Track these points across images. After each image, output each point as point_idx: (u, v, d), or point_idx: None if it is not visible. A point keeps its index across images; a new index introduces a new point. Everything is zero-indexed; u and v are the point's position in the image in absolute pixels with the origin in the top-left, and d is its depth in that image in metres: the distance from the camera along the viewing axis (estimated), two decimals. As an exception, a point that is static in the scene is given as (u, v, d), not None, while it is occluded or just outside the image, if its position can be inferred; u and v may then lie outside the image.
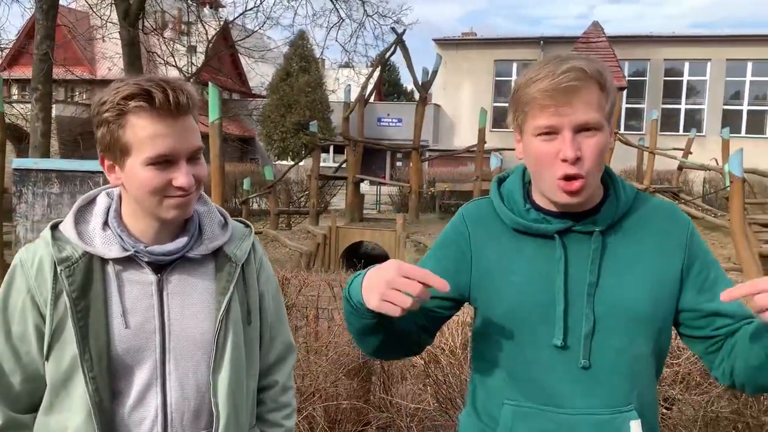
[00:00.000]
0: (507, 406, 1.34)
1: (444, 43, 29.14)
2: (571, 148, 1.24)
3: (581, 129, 1.25)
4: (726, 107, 26.97)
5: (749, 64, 26.64)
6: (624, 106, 25.33)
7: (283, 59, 27.47)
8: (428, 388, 2.73)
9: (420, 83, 13.33)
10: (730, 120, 26.11)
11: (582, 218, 1.33)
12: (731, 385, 1.35)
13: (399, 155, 27.95)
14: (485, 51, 29.00)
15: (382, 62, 14.21)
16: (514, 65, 29.27)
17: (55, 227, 1.33)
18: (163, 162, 1.24)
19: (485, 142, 13.91)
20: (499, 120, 26.53)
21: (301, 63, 27.77)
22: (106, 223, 1.32)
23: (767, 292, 1.11)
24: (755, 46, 26.17)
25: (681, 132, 25.23)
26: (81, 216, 1.34)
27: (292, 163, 19.20)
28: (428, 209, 17.01)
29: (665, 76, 27.41)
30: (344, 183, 14.74)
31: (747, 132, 26.26)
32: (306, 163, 18.89)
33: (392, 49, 13.86)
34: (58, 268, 1.25)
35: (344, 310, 1.38)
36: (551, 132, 1.26)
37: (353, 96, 14.37)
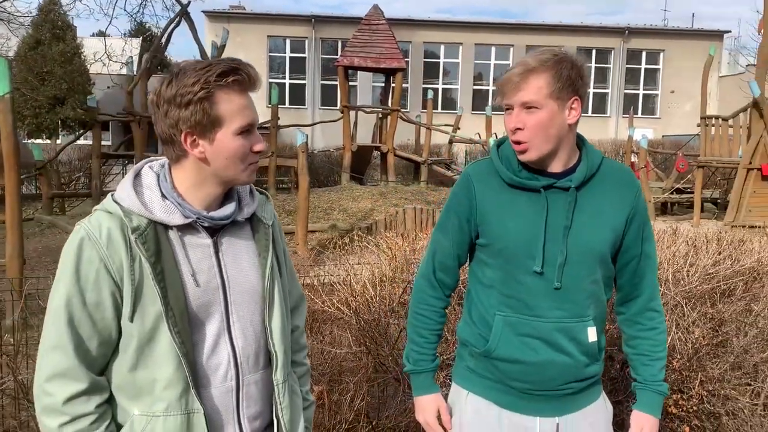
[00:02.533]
0: (498, 316, 1.77)
1: (214, 15, 28.32)
2: (513, 120, 1.70)
3: (525, 106, 1.69)
4: (475, 87, 30.37)
5: (493, 49, 30.28)
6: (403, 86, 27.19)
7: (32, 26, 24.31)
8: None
9: (210, 57, 12.99)
10: (479, 99, 29.54)
11: (561, 177, 1.76)
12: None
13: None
14: (258, 26, 28.83)
15: (169, 34, 13.55)
16: (288, 42, 29.60)
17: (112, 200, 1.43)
18: (247, 131, 1.44)
19: (278, 118, 14.08)
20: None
21: (54, 30, 24.86)
22: (162, 194, 1.44)
23: None
24: (497, 32, 29.80)
25: (440, 110, 27.83)
26: (137, 188, 1.45)
27: (64, 141, 17.30)
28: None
29: (425, 58, 29.93)
30: (123, 162, 13.76)
31: (493, 110, 29.92)
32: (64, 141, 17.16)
33: (177, 21, 13.28)
34: (132, 237, 1.37)
35: (405, 366, 1.98)
36: (509, 108, 1.72)
37: (136, 68, 13.46)
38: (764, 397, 3.25)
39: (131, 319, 1.38)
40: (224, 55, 12.95)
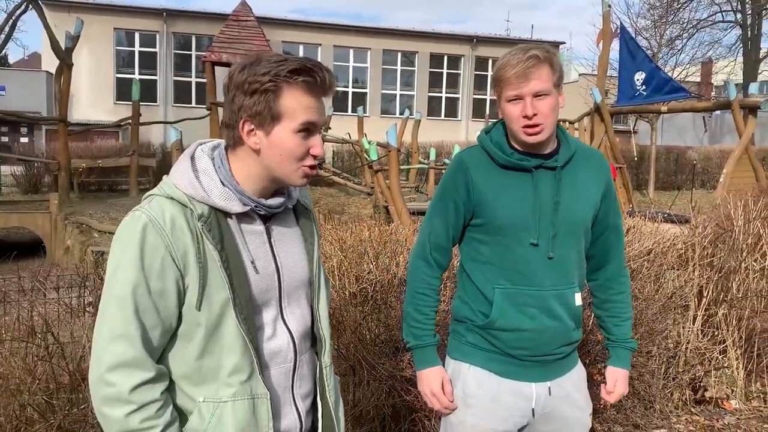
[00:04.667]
0: (497, 289, 1.93)
1: (55, 5, 26.07)
2: (528, 108, 1.87)
3: (536, 95, 1.88)
4: (338, 89, 30.68)
5: (351, 51, 30.78)
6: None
7: None
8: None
9: (64, 48, 12.01)
10: (337, 100, 29.90)
11: (547, 158, 1.96)
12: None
13: (24, 129, 24.21)
14: (103, 18, 26.99)
15: (14, 21, 12.30)
16: (137, 35, 28.01)
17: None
18: (307, 130, 1.43)
19: (140, 115, 13.36)
20: (124, 92, 25.04)
21: None
22: (221, 181, 1.44)
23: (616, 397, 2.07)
24: (356, 35, 30.34)
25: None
26: (196, 174, 1.44)
27: None
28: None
29: (284, 57, 29.67)
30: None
31: (352, 111, 30.46)
32: None
33: (23, 7, 12.12)
34: (197, 224, 1.37)
35: (406, 342, 2.07)
36: (517, 98, 1.89)
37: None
38: (658, 363, 3.73)
39: (198, 308, 1.37)
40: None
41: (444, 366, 2.04)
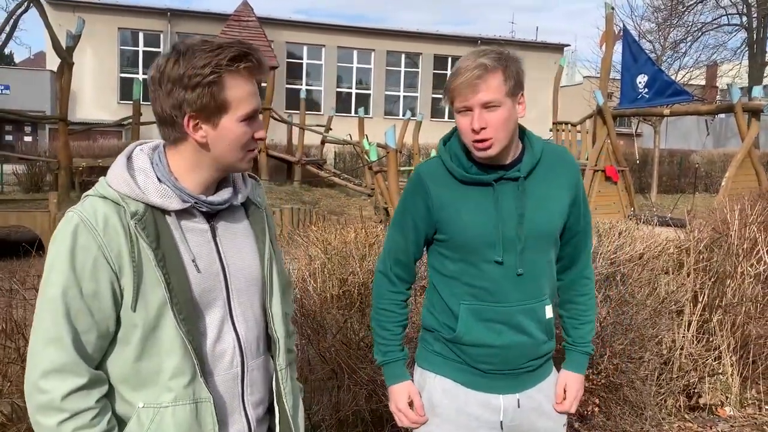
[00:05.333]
0: (463, 305, 1.86)
1: (58, 3, 26.14)
2: (476, 121, 1.77)
3: (485, 106, 1.77)
4: (338, 89, 30.67)
5: (355, 52, 30.76)
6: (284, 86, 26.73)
7: None
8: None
9: (65, 47, 12.00)
10: (341, 101, 29.89)
11: (509, 168, 1.87)
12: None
13: (27, 128, 24.28)
14: (108, 17, 27.05)
15: (15, 20, 12.32)
16: (141, 35, 28.06)
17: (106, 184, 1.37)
18: (251, 118, 1.41)
19: (141, 114, 13.36)
20: (128, 92, 25.09)
21: None
22: (157, 178, 1.39)
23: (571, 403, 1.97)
24: (360, 36, 30.30)
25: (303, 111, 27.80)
26: (130, 172, 1.39)
27: None
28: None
29: (288, 58, 29.72)
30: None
31: (355, 112, 30.41)
32: None
33: (25, 6, 12.13)
34: (131, 222, 1.32)
35: (377, 360, 2.01)
36: (466, 110, 1.79)
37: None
38: (650, 369, 3.67)
39: (134, 309, 1.32)
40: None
41: (413, 374, 1.98)
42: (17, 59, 39.03)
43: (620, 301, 3.21)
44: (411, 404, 1.93)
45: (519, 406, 1.89)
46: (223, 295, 1.44)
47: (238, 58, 1.34)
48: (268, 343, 1.57)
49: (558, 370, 2.05)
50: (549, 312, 1.92)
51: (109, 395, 1.36)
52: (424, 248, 1.98)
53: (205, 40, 1.37)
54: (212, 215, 1.46)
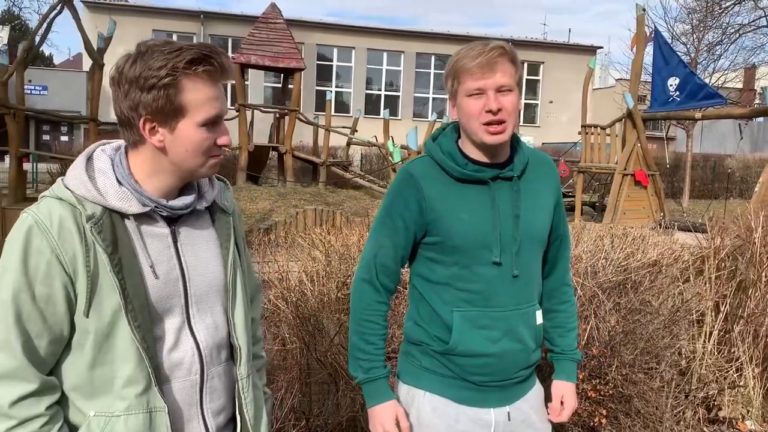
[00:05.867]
0: (457, 313, 1.77)
1: (95, 6, 26.73)
2: (492, 102, 1.69)
3: (500, 89, 1.71)
4: (367, 91, 30.71)
5: (385, 54, 30.76)
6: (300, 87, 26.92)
7: None
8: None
9: (96, 49, 12.22)
10: (370, 103, 29.91)
11: (503, 167, 1.80)
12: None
13: (64, 128, 24.86)
14: (142, 20, 27.53)
15: (49, 22, 12.59)
16: (174, 37, 28.48)
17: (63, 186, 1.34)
18: (213, 123, 1.36)
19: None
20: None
21: None
22: (117, 180, 1.36)
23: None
24: (389, 38, 30.30)
25: (333, 112, 27.87)
26: (89, 173, 1.36)
27: None
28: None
29: (318, 60, 29.87)
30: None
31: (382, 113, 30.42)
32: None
33: (59, 8, 12.37)
34: (86, 225, 1.28)
35: (355, 378, 1.88)
36: (479, 92, 1.71)
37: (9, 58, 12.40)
38: (667, 379, 3.55)
39: (87, 314, 1.28)
40: (108, 48, 12.25)
41: (395, 389, 1.88)
42: (57, 60, 39.99)
43: (630, 309, 3.11)
44: (397, 425, 1.80)
45: (509, 419, 1.82)
46: (181, 302, 1.40)
47: (197, 61, 1.30)
48: (232, 349, 1.52)
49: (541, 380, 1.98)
50: (539, 318, 1.86)
51: (62, 403, 1.33)
52: (410, 254, 1.89)
53: (167, 41, 1.33)
54: (174, 220, 1.42)
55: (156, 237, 1.38)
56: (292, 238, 4.57)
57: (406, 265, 1.90)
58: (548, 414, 1.93)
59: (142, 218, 1.36)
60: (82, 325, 1.30)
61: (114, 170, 1.35)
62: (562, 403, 1.93)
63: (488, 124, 1.69)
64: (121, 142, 1.42)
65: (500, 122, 1.69)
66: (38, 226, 1.26)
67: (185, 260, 1.41)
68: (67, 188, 1.31)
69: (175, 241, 1.41)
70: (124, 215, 1.34)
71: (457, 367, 1.78)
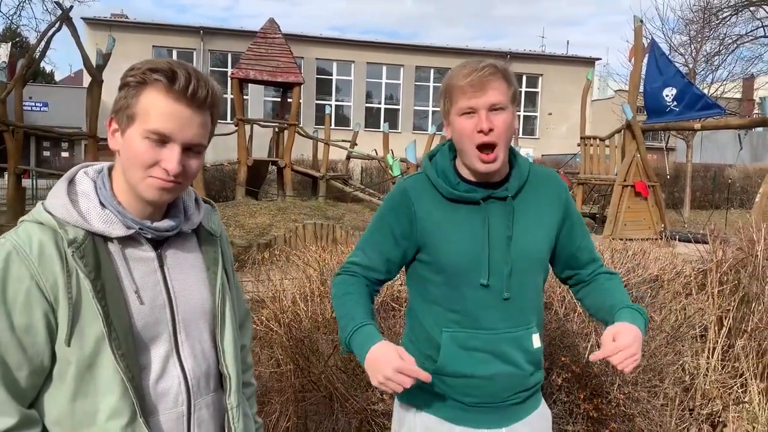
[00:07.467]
0: (446, 333, 1.73)
1: (95, 23, 26.85)
2: (485, 121, 1.65)
3: (492, 108, 1.67)
4: (367, 105, 30.77)
5: (384, 68, 30.85)
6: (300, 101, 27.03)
7: None
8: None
9: (95, 65, 12.23)
10: (370, 117, 29.96)
11: (497, 187, 1.76)
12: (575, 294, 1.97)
13: (64, 144, 24.92)
14: (142, 36, 27.64)
15: (48, 39, 12.62)
16: (174, 52, 28.58)
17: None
18: (158, 140, 1.27)
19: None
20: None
21: None
22: (100, 203, 1.31)
23: (621, 351, 1.55)
24: (388, 52, 30.40)
25: (333, 126, 27.93)
26: (71, 197, 1.31)
27: None
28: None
29: (317, 74, 29.96)
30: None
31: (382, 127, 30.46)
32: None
33: (58, 26, 12.41)
34: (68, 250, 1.23)
35: (343, 343, 1.69)
36: (471, 111, 1.67)
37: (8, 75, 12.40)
38: (671, 396, 3.48)
39: (68, 343, 1.23)
40: (108, 63, 12.28)
41: (395, 401, 1.85)
42: (58, 77, 40.14)
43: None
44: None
45: None
46: (168, 329, 1.35)
47: (158, 70, 1.26)
48: (221, 378, 1.46)
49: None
50: (537, 341, 1.79)
51: None
52: (399, 269, 1.85)
53: (172, 60, 1.31)
54: (160, 243, 1.37)
55: (141, 261, 1.33)
56: (287, 256, 4.52)
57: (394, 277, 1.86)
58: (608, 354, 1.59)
59: (126, 242, 1.31)
60: (63, 354, 1.24)
61: (97, 193, 1.31)
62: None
63: (480, 147, 1.65)
64: (103, 164, 1.39)
65: (492, 147, 1.65)
66: (17, 253, 1.21)
67: (172, 285, 1.36)
68: (48, 212, 1.27)
69: (161, 265, 1.36)
70: (107, 239, 1.29)
71: (447, 386, 1.74)
